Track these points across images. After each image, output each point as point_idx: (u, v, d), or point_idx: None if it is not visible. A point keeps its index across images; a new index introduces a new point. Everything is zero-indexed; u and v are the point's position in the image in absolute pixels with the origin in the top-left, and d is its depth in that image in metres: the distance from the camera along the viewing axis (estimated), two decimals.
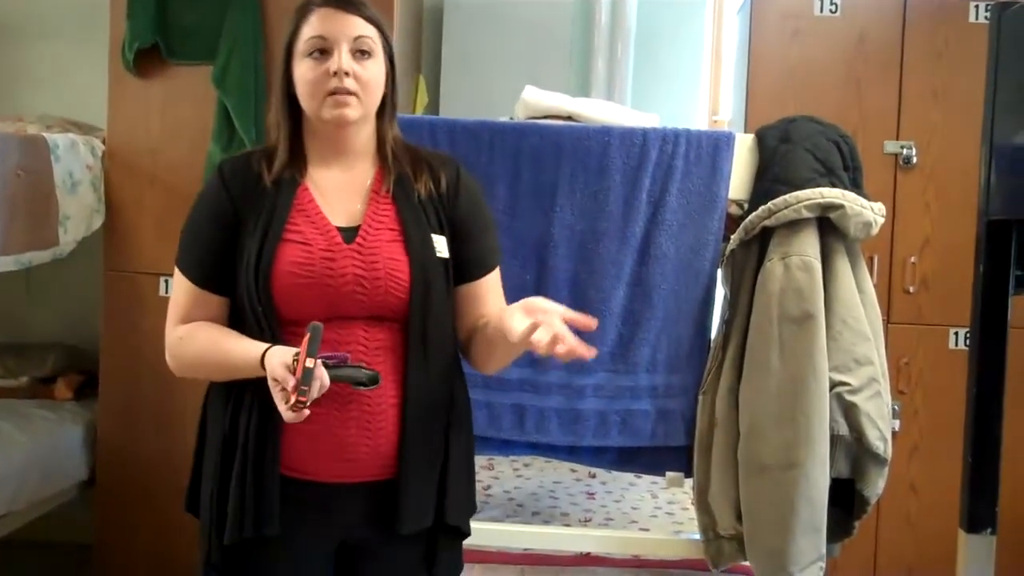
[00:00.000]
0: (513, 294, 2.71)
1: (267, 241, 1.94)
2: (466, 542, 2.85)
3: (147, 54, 3.81)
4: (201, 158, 3.78)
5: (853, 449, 2.58)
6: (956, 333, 3.75)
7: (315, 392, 1.79)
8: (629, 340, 2.74)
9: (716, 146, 2.72)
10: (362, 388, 1.91)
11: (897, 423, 3.61)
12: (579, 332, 2.71)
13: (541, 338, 1.82)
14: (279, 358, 1.83)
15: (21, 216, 3.37)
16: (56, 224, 3.58)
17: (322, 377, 1.81)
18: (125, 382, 3.86)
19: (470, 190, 2.11)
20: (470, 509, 2.13)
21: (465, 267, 2.07)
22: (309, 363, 1.79)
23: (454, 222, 2.06)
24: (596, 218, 2.72)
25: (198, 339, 2.00)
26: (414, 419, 1.97)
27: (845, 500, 2.67)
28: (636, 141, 2.71)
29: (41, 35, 4.56)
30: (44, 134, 3.65)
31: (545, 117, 2.89)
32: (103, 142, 3.90)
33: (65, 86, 4.46)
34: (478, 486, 3.36)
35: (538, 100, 2.94)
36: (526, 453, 2.98)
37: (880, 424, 2.58)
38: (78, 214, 3.70)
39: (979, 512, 2.27)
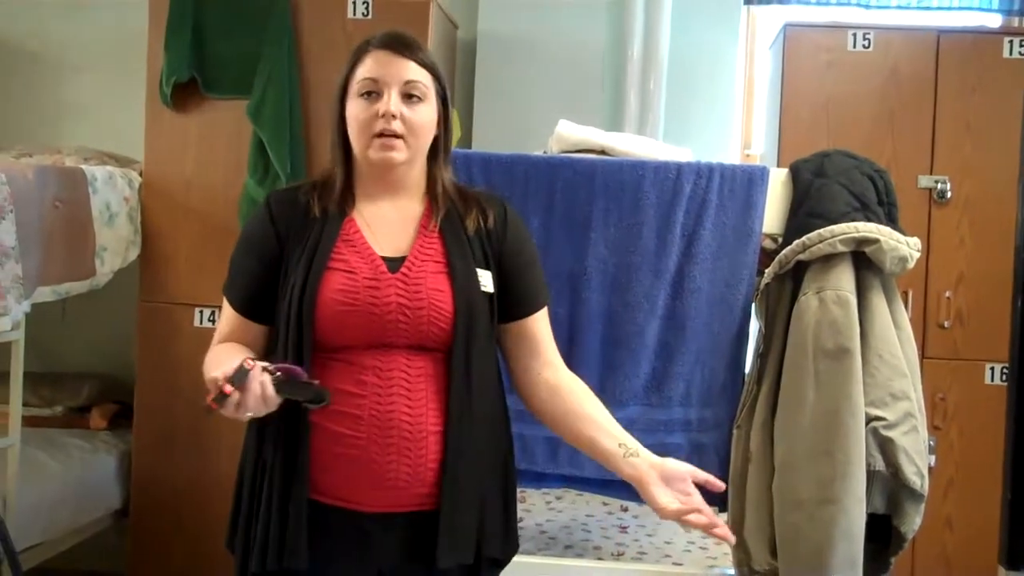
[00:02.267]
0: None
1: (312, 269, 1.97)
2: None
3: (184, 88, 3.86)
4: (236, 191, 3.81)
5: (889, 484, 2.56)
6: (992, 368, 3.72)
7: (251, 401, 1.79)
8: (663, 374, 2.74)
9: (750, 180, 2.72)
10: (310, 406, 1.89)
11: (932, 458, 3.58)
12: (615, 367, 2.73)
13: (692, 521, 1.93)
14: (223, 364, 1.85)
15: (58, 247, 3.41)
16: (93, 255, 3.62)
17: (264, 385, 1.81)
18: (159, 412, 3.89)
19: (517, 228, 2.14)
20: (510, 540, 2.12)
21: (512, 304, 2.10)
22: (247, 363, 1.80)
23: (501, 259, 2.09)
24: (630, 252, 2.72)
25: (212, 357, 2.03)
26: (456, 447, 1.97)
27: (881, 536, 2.65)
28: (670, 175, 2.71)
29: (79, 69, 4.62)
30: (82, 166, 3.70)
31: (579, 151, 2.90)
32: (140, 174, 3.95)
33: (103, 119, 4.52)
34: None
35: (572, 134, 2.95)
36: (559, 486, 2.97)
37: (917, 459, 2.56)
38: (114, 245, 3.74)
39: (1019, 548, 2.25)
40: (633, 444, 2.05)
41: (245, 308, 2.06)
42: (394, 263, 2.01)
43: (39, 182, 3.30)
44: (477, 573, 2.04)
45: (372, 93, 2.00)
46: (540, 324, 2.13)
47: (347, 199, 2.06)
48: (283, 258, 2.02)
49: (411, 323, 1.96)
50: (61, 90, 4.64)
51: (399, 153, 2.00)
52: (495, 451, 2.08)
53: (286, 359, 1.93)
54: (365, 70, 2.02)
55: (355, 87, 2.02)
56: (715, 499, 2.79)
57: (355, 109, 2.02)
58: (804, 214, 2.65)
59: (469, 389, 1.99)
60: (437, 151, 2.09)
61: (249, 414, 1.82)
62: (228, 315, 2.08)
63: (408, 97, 2.00)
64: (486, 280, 2.04)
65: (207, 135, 3.91)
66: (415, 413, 1.96)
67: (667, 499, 1.96)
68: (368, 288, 1.97)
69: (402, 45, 2.03)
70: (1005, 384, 3.67)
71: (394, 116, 1.98)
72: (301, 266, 1.98)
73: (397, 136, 1.99)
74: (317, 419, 1.95)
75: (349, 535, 1.98)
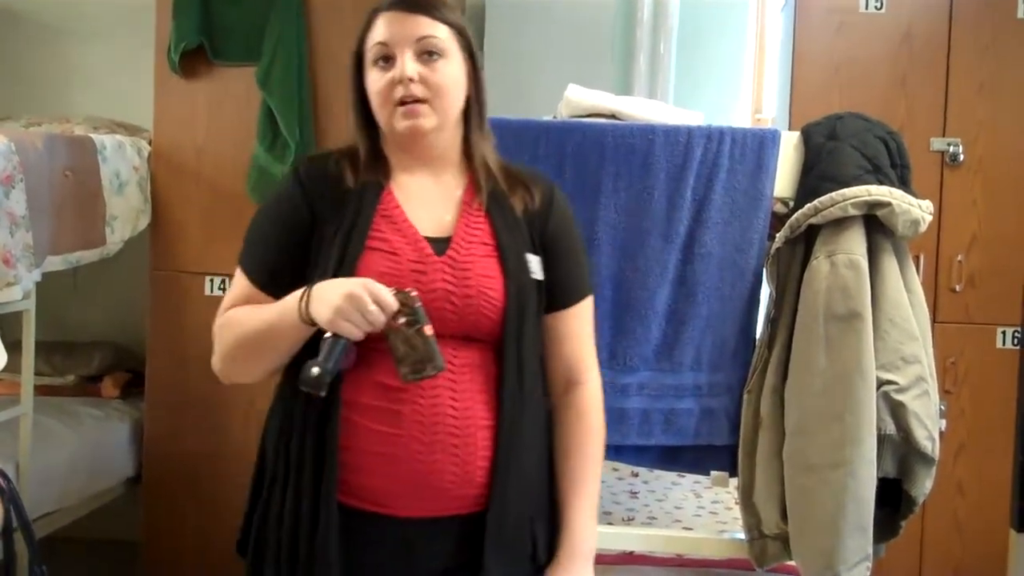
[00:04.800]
0: None
1: (349, 248, 1.79)
2: None
3: (192, 55, 3.85)
4: (246, 158, 3.81)
5: (900, 448, 2.56)
6: (1003, 332, 3.71)
7: (369, 322, 1.66)
8: (674, 339, 2.73)
9: (761, 143, 2.70)
10: (418, 378, 1.71)
11: (943, 423, 3.57)
12: (625, 332, 2.73)
13: None
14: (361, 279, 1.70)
15: (69, 216, 3.42)
16: (103, 224, 3.63)
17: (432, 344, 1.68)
18: (171, 380, 3.90)
19: (563, 210, 1.97)
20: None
21: (551, 293, 1.92)
22: (428, 330, 1.66)
23: (544, 243, 1.92)
24: (640, 217, 2.70)
25: (238, 316, 1.86)
26: (508, 445, 1.80)
27: (891, 500, 2.65)
28: (680, 139, 2.69)
29: (88, 37, 4.61)
30: (91, 135, 3.70)
31: (589, 116, 2.88)
32: (149, 143, 3.95)
33: (112, 88, 4.51)
34: None
35: (582, 99, 2.93)
36: None
37: (928, 423, 2.56)
38: (125, 214, 3.75)
39: None
40: (564, 546, 1.89)
41: (264, 282, 1.86)
42: (439, 244, 1.83)
43: (48, 151, 3.31)
44: None
45: (387, 59, 1.83)
46: (577, 319, 1.96)
47: (383, 169, 1.89)
48: (313, 232, 1.84)
49: (458, 311, 1.79)
50: (70, 59, 4.63)
51: (426, 119, 1.83)
52: (542, 452, 1.91)
53: (318, 345, 1.72)
54: (376, 35, 1.85)
55: (369, 56, 1.86)
56: (726, 463, 2.81)
57: (372, 80, 1.85)
58: (816, 177, 2.63)
59: (521, 383, 1.82)
60: (471, 114, 1.92)
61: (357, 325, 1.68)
62: (243, 288, 1.89)
63: (426, 55, 1.83)
64: (535, 266, 1.88)
65: (216, 103, 3.90)
66: (461, 407, 1.79)
67: None
68: (413, 272, 1.79)
69: (412, 2, 1.86)
70: (1017, 348, 3.68)
71: (411, 79, 1.80)
72: (337, 243, 1.80)
73: (420, 101, 1.82)
74: (355, 416, 1.77)
75: (390, 544, 1.80)
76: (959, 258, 3.71)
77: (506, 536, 1.81)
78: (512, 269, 1.84)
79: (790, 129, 3.32)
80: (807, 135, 2.72)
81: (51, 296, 3.78)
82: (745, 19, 4.42)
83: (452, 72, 1.86)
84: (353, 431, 1.78)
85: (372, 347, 1.74)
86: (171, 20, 3.81)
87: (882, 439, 2.54)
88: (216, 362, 1.90)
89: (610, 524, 3.09)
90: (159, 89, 3.91)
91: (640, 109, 2.91)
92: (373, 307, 1.67)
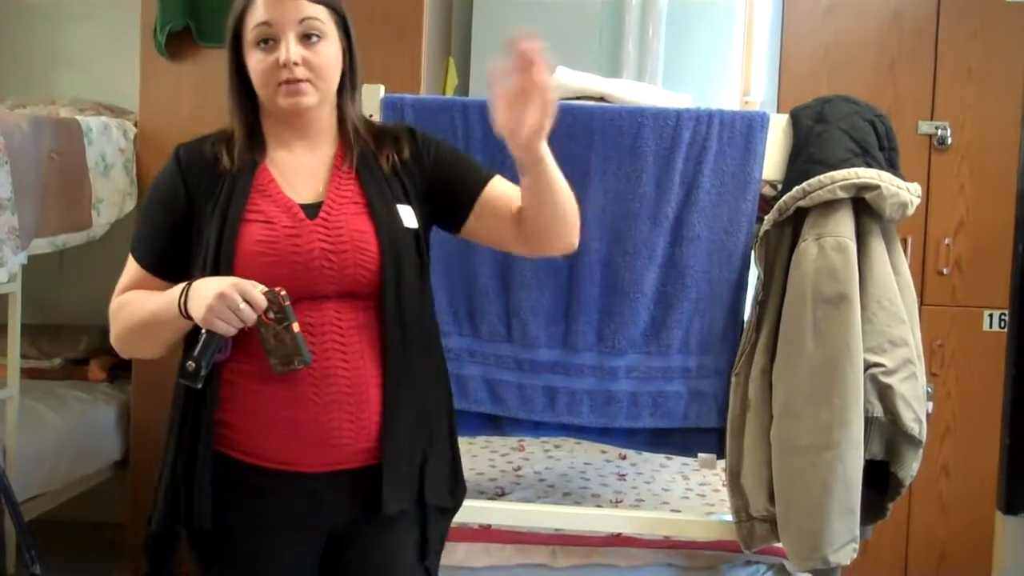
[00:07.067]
0: (546, 273, 2.73)
1: (228, 222, 1.89)
2: (497, 522, 2.86)
3: (178, 37, 3.82)
4: None
5: (887, 431, 2.57)
6: (990, 315, 3.73)
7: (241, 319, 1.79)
8: (662, 322, 2.74)
9: (750, 126, 2.70)
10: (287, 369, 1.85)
11: (930, 405, 3.59)
12: (613, 315, 2.73)
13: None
14: (231, 279, 1.82)
15: (55, 199, 3.40)
16: (89, 206, 3.61)
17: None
18: (158, 363, 3.80)
19: (428, 139, 2.07)
20: (456, 486, 2.08)
21: (466, 191, 2.02)
22: (295, 328, 1.81)
23: (429, 176, 2.03)
24: (629, 199, 2.70)
25: (128, 301, 1.99)
26: (395, 396, 1.92)
27: (878, 482, 2.66)
28: (669, 122, 2.69)
29: (74, 19, 4.59)
30: (77, 117, 3.68)
31: (577, 98, 2.87)
32: (135, 125, 3.93)
33: (97, 69, 4.49)
34: (508, 467, 3.39)
35: (570, 81, 2.92)
36: (557, 434, 2.98)
37: (915, 405, 2.57)
38: (111, 197, 3.73)
39: (1017, 493, 2.25)
40: None
41: (151, 264, 1.98)
42: (312, 209, 1.93)
43: (34, 133, 3.29)
44: (424, 522, 2.01)
45: (268, 40, 1.91)
46: (504, 186, 2.03)
47: (257, 147, 1.99)
48: (194, 213, 1.94)
49: (337, 268, 1.89)
50: (55, 40, 4.60)
51: (308, 97, 1.92)
52: (435, 397, 2.03)
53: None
54: (256, 15, 1.92)
55: (249, 36, 1.93)
56: (713, 446, 2.82)
57: (254, 62, 1.93)
58: (804, 160, 2.63)
59: (403, 333, 1.93)
60: (344, 87, 2.00)
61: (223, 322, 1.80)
62: (133, 272, 2.01)
63: (306, 38, 1.91)
64: (407, 215, 1.97)
65: (202, 84, 3.88)
66: (352, 366, 1.90)
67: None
68: (289, 237, 1.89)
69: None
70: (1003, 331, 3.69)
71: (296, 64, 1.89)
72: (215, 220, 1.90)
73: (302, 81, 1.91)
74: (254, 384, 1.90)
75: (296, 498, 1.93)
76: (946, 241, 3.72)
77: (397, 477, 1.93)
78: (382, 222, 1.93)
79: (778, 112, 3.31)
80: (795, 118, 2.72)
81: (37, 279, 3.76)
82: (734, 1, 4.40)
83: (331, 52, 1.95)
84: (255, 398, 1.90)
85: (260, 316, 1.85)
86: (157, 2, 3.79)
87: (869, 421, 2.55)
88: (113, 342, 2.04)
89: (598, 506, 3.09)
90: (145, 71, 3.89)
91: (628, 92, 2.91)
92: (243, 305, 1.79)
